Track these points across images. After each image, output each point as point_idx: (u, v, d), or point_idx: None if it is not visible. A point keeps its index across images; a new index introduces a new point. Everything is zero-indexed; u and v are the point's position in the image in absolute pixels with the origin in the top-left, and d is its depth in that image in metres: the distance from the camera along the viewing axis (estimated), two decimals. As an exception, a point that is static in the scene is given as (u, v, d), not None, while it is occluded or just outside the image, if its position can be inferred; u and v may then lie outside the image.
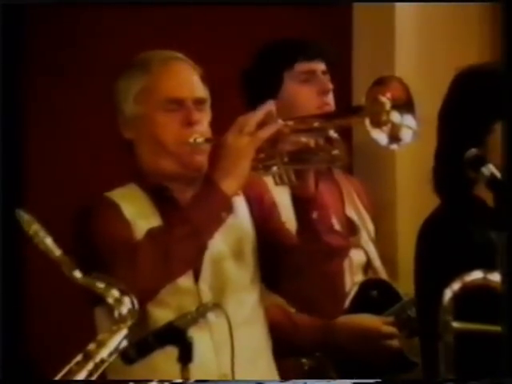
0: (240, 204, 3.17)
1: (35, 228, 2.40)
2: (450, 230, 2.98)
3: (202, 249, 2.94)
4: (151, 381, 2.73)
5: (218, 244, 3.07)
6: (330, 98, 3.67)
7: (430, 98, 3.38)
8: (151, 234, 2.94)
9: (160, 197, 3.13)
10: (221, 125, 3.10)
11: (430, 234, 3.03)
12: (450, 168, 3.05)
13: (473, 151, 2.79)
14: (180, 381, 2.50)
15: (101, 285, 2.38)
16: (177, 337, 2.63)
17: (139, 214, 3.08)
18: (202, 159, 3.10)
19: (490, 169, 2.74)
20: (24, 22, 4.13)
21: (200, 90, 3.08)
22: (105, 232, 3.01)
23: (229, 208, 2.96)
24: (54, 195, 4.66)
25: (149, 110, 3.05)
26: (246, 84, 3.69)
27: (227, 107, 3.90)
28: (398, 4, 4.45)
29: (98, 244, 2.98)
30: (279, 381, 3.04)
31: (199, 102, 3.04)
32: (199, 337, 2.70)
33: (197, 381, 2.40)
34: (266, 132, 2.85)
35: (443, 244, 2.95)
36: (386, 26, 4.50)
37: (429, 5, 4.69)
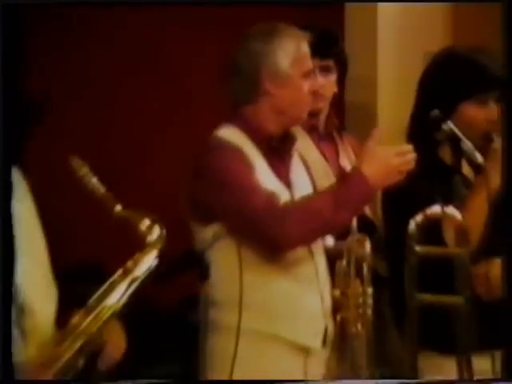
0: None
1: (85, 170, 2.78)
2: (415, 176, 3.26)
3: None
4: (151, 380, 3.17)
5: None
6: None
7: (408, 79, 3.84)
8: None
9: (266, 146, 3.34)
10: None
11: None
12: (420, 127, 3.47)
13: (435, 111, 3.31)
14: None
15: (136, 215, 2.77)
16: (196, 260, 3.08)
17: (256, 161, 3.30)
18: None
19: (449, 125, 3.29)
20: (24, 22, 3.55)
21: None
22: (230, 174, 3.21)
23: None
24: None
25: (297, 74, 3.31)
26: None
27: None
28: (380, 4, 4.74)
29: (222, 188, 3.19)
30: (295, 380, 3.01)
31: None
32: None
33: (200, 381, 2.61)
34: None
35: (408, 187, 3.20)
36: (369, 25, 4.81)
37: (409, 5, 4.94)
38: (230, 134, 3.29)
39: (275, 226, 3.13)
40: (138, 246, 2.82)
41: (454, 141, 3.34)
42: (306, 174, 3.55)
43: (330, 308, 3.37)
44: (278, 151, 3.38)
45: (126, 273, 2.77)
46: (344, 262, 3.39)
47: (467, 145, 3.31)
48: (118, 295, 2.74)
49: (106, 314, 2.74)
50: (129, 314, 2.81)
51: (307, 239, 3.29)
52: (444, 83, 3.50)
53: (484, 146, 3.39)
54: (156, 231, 2.78)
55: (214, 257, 3.34)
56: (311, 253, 3.31)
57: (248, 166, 3.23)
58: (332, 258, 3.44)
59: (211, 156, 3.26)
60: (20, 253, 2.84)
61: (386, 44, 4.80)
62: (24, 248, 2.86)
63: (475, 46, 3.82)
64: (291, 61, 3.29)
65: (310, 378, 3.26)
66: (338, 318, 3.38)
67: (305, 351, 3.29)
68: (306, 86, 3.34)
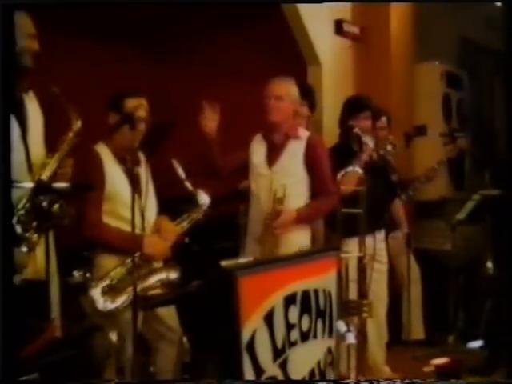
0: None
1: (176, 164, 2.98)
2: (340, 151, 3.68)
3: None
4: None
5: None
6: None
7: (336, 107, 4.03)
8: None
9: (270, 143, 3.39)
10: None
11: (332, 151, 3.64)
12: (343, 130, 3.85)
13: (351, 122, 3.70)
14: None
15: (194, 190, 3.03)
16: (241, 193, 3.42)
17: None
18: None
19: (356, 130, 3.63)
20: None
21: None
22: None
23: None
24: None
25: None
26: None
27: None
28: (324, 69, 4.96)
29: None
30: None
31: None
32: None
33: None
34: None
35: (337, 156, 3.54)
36: (318, 80, 4.97)
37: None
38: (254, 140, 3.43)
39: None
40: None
41: (358, 137, 3.64)
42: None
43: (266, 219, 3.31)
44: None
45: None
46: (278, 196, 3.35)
47: (365, 139, 3.61)
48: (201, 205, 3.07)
49: (192, 221, 3.09)
50: (206, 217, 3.12)
51: None
52: (349, 109, 3.81)
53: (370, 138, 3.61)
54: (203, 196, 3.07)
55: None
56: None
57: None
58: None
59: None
60: (148, 196, 2.99)
61: (327, 90, 4.97)
62: (148, 194, 3.00)
63: (364, 94, 4.18)
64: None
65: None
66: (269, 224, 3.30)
67: (258, 241, 3.32)
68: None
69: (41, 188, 2.28)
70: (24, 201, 2.41)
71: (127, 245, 2.70)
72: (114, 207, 2.91)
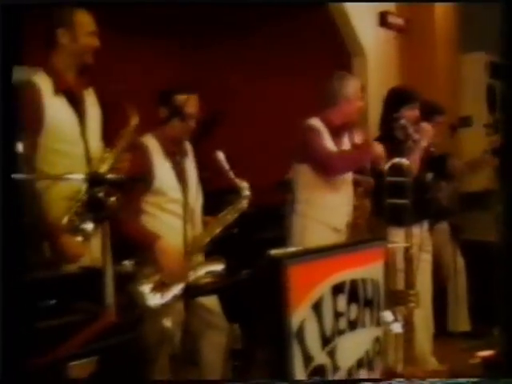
0: None
1: (221, 156, 2.90)
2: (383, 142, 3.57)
3: None
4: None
5: None
6: None
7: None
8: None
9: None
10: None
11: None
12: (386, 122, 3.78)
13: (397, 115, 3.67)
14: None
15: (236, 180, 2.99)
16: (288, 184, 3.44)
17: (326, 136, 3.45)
18: None
19: (403, 121, 3.63)
20: (24, 22, 2.32)
21: None
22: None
23: None
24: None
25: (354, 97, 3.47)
26: None
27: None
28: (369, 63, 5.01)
29: None
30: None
31: None
32: None
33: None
34: None
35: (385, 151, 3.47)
36: (364, 75, 4.97)
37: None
38: (314, 122, 3.45)
39: (330, 163, 3.38)
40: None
41: (404, 128, 3.63)
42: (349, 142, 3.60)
43: (351, 211, 3.53)
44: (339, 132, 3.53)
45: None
46: (361, 188, 3.59)
47: (410, 130, 3.59)
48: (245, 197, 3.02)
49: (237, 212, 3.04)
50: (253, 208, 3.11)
51: (345, 171, 3.47)
52: (394, 100, 3.78)
53: (416, 129, 3.62)
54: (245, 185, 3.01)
55: (296, 183, 3.53)
56: (344, 181, 3.51)
57: (323, 137, 3.42)
58: (354, 185, 3.60)
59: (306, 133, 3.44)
60: (194, 188, 3.04)
61: (372, 81, 5.03)
62: (194, 185, 3.05)
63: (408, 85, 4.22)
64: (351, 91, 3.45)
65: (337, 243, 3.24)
66: (354, 216, 3.54)
67: (337, 231, 3.46)
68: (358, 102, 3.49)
69: (97, 180, 2.33)
70: (82, 193, 2.51)
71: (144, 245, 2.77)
72: (159, 199, 2.93)
